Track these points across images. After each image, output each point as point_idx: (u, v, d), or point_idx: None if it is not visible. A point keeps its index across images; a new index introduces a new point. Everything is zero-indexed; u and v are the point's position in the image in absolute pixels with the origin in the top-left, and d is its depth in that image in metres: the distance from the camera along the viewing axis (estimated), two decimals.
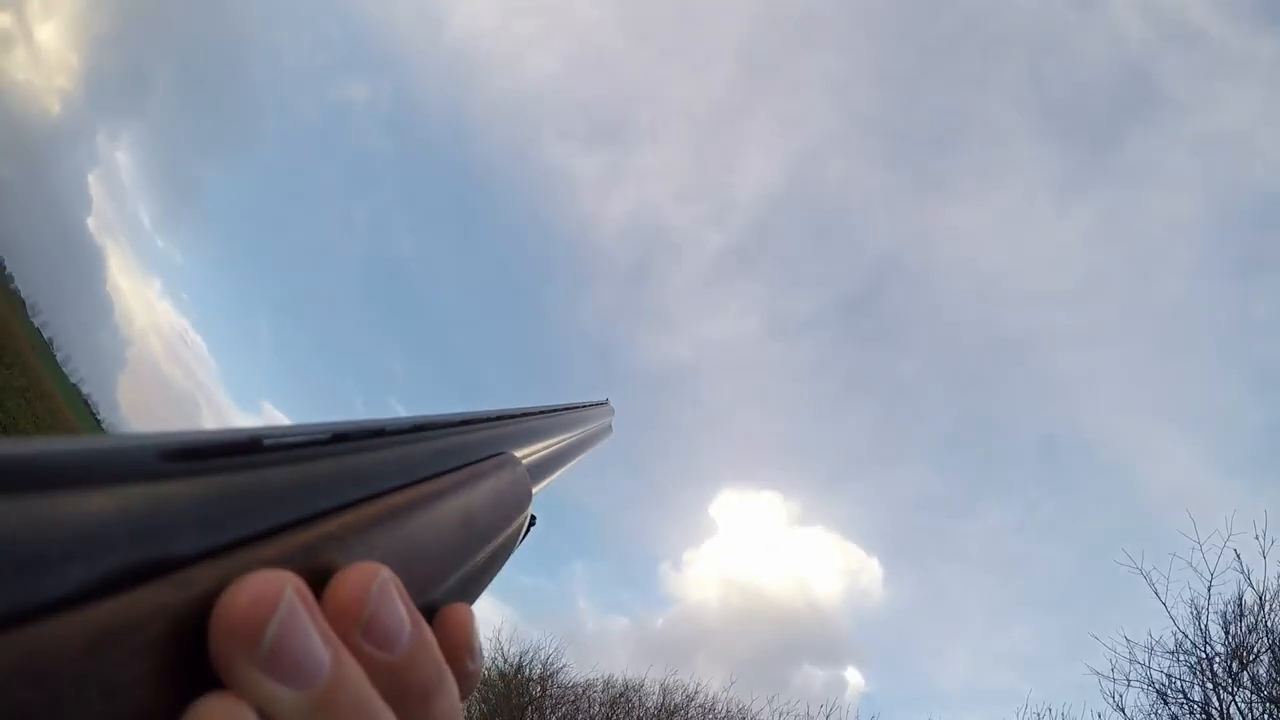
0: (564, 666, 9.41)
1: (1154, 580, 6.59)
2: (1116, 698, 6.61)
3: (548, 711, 9.01)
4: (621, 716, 8.99)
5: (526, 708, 8.84)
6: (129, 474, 0.15)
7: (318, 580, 0.19)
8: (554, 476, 0.50)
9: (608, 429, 0.75)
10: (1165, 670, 6.54)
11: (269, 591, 0.16)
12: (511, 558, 0.37)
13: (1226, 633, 6.41)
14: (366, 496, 0.24)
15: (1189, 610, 6.53)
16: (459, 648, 0.24)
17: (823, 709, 8.38)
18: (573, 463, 0.57)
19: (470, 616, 0.25)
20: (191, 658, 0.15)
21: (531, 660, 9.20)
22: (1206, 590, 6.44)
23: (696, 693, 9.13)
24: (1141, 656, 6.62)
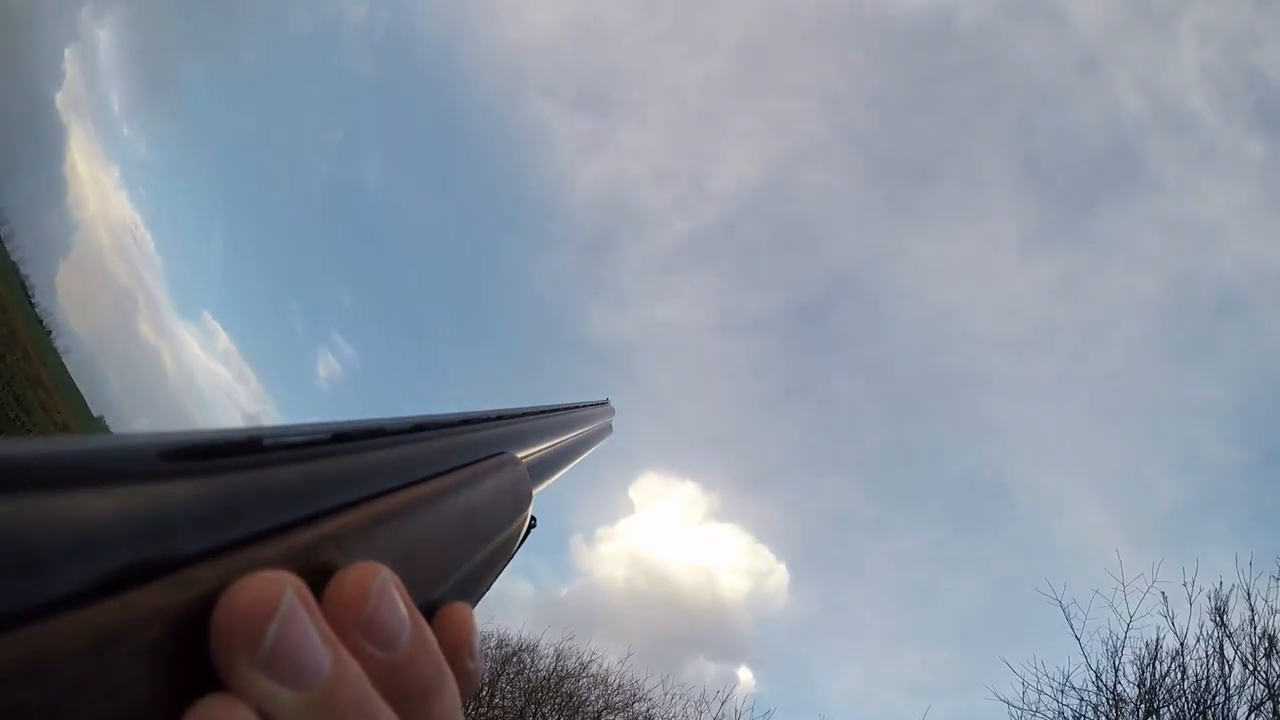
0: None
1: (1071, 614, 6.60)
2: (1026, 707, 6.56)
3: None
4: (512, 675, 9.28)
5: None
6: (129, 474, 0.15)
7: (318, 580, 0.19)
8: (555, 477, 0.51)
9: (608, 429, 0.75)
10: (1075, 708, 6.53)
11: (269, 592, 0.16)
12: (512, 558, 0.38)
13: (1142, 674, 6.42)
14: (366, 496, 0.24)
15: (1104, 649, 6.55)
16: (459, 647, 0.24)
17: (719, 695, 8.75)
18: (573, 463, 0.57)
19: (470, 616, 0.26)
20: (192, 658, 0.15)
21: None
22: (1124, 631, 6.47)
23: (590, 662, 9.23)
24: (1049, 689, 6.60)
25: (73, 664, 0.13)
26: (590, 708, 9.09)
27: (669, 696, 8.97)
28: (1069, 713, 6.65)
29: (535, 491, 0.41)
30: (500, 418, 0.39)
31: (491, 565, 0.33)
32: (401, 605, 0.20)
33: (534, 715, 8.87)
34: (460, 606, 0.26)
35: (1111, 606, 6.72)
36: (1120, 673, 6.61)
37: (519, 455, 0.40)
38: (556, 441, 0.52)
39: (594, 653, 9.44)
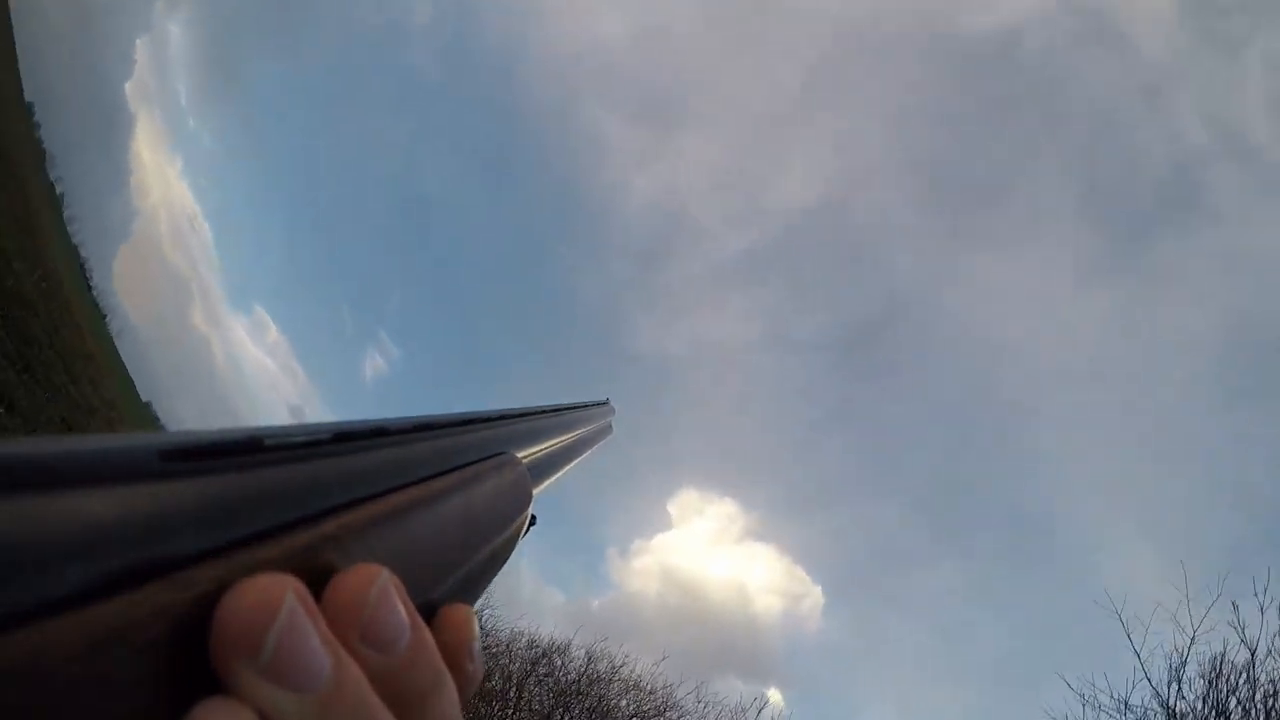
0: (492, 607, 9.35)
1: (1129, 630, 6.47)
2: None
3: None
4: (542, 676, 9.02)
5: None
6: (129, 474, 0.15)
7: (318, 580, 0.19)
8: (554, 476, 0.50)
9: (608, 429, 0.75)
10: None
11: (270, 596, 0.16)
12: (511, 557, 0.37)
13: (1209, 687, 6.23)
14: (367, 496, 0.24)
15: (1166, 664, 6.35)
16: (459, 649, 0.24)
17: (755, 703, 8.42)
18: (573, 463, 0.57)
19: (470, 617, 0.26)
20: (192, 658, 0.15)
21: None
22: (1188, 644, 6.30)
23: (622, 665, 9.07)
24: (1108, 706, 6.44)
25: (73, 665, 0.13)
26: (620, 713, 8.77)
27: (702, 705, 8.62)
28: None
29: (535, 491, 0.41)
30: (500, 418, 0.39)
31: (491, 565, 0.33)
32: (401, 608, 0.20)
33: (562, 718, 8.56)
34: (460, 608, 0.26)
35: (1174, 619, 6.43)
36: (1185, 686, 6.37)
37: (519, 455, 0.39)
38: (556, 441, 0.51)
39: (626, 656, 9.15)
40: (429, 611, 0.24)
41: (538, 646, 9.22)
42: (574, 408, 0.61)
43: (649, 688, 8.88)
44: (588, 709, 8.59)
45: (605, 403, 0.78)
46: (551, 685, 8.87)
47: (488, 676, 8.90)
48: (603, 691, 8.85)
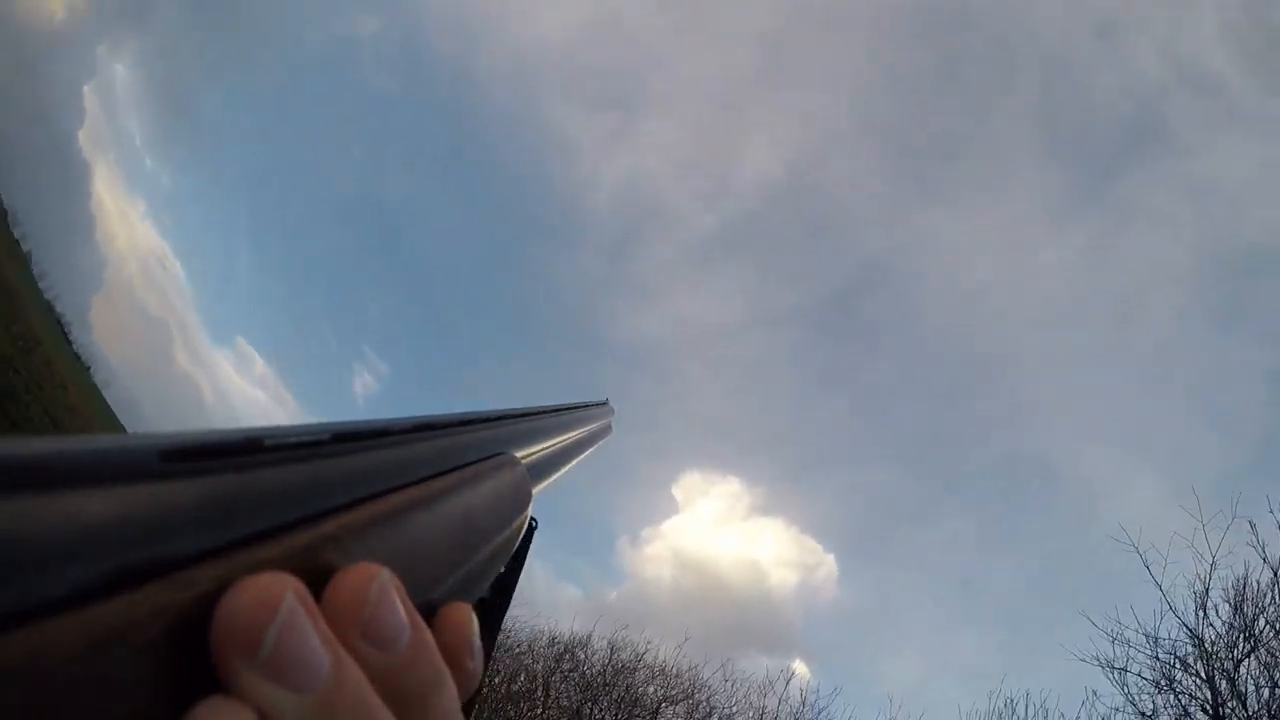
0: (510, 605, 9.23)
1: (1149, 560, 6.37)
2: (1117, 678, 6.31)
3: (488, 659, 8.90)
4: (566, 672, 9.06)
5: None
6: (129, 474, 0.15)
7: (318, 580, 0.19)
8: (554, 477, 0.50)
9: (608, 429, 0.75)
10: (1164, 657, 6.29)
11: (270, 595, 0.16)
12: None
13: (1236, 613, 6.15)
14: (367, 496, 0.24)
15: (1190, 591, 6.25)
16: (458, 647, 0.24)
17: (781, 674, 8.46)
18: (573, 463, 0.57)
19: (470, 616, 0.26)
20: (192, 659, 0.15)
21: None
22: (1209, 569, 6.20)
23: (645, 652, 9.02)
24: (1138, 641, 6.35)
25: (73, 664, 0.13)
26: (649, 700, 8.82)
27: (730, 684, 8.68)
28: (1160, 663, 6.31)
29: (535, 491, 0.41)
30: (500, 418, 0.39)
31: (491, 565, 0.33)
32: (400, 606, 0.20)
33: (590, 712, 8.61)
34: (460, 606, 0.26)
35: (1192, 546, 6.34)
36: (1212, 613, 6.28)
37: (519, 455, 0.39)
38: (556, 441, 0.51)
39: (648, 642, 9.18)
40: (429, 611, 0.24)
41: (559, 643, 9.24)
42: (573, 408, 0.61)
43: (674, 671, 8.93)
44: (615, 700, 8.60)
45: (605, 403, 0.78)
46: (577, 680, 8.88)
47: (513, 678, 8.92)
48: (629, 680, 8.89)
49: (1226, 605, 6.25)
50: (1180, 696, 6.25)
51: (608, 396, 0.82)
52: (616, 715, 8.61)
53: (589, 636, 9.31)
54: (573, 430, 0.57)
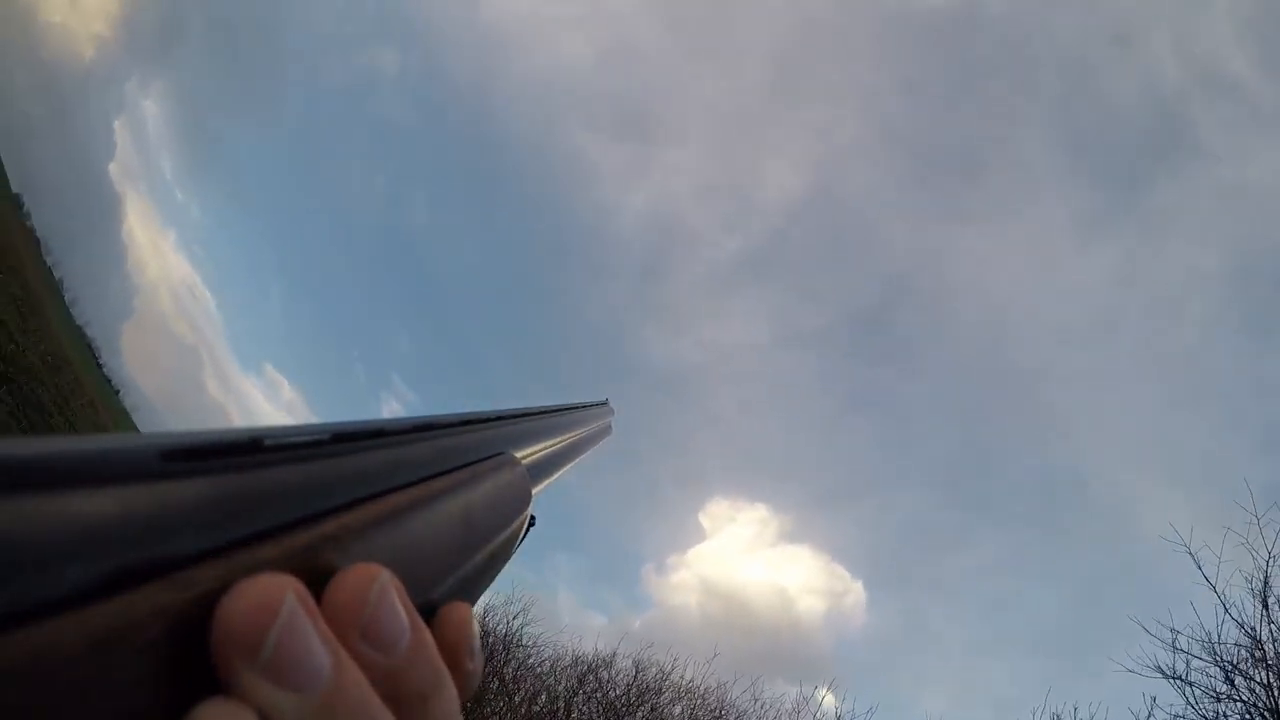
0: (530, 623, 9.17)
1: (1200, 560, 5.96)
2: (1177, 686, 5.88)
3: (508, 679, 8.77)
4: (590, 692, 8.77)
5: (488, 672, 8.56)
6: (130, 474, 0.15)
7: (318, 581, 0.19)
8: (554, 477, 0.50)
9: (607, 429, 0.75)
10: (1220, 661, 5.91)
11: (270, 596, 0.16)
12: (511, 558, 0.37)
13: None
14: (367, 496, 0.24)
15: (1248, 590, 5.87)
16: (458, 648, 0.24)
17: (815, 693, 8.11)
18: (572, 463, 0.57)
19: (469, 616, 0.25)
20: (192, 659, 0.15)
21: (498, 621, 8.96)
22: (1267, 563, 5.86)
23: (671, 670, 8.73)
24: (1185, 644, 5.92)
25: (73, 665, 0.13)
26: None
27: (759, 705, 8.33)
28: (1220, 667, 5.95)
29: (535, 492, 0.41)
30: (500, 418, 0.39)
31: (491, 565, 0.33)
32: (400, 608, 0.20)
33: None
34: (460, 607, 0.26)
35: (1246, 542, 5.98)
36: (1273, 608, 5.88)
37: (519, 455, 0.40)
38: (556, 442, 0.51)
39: (674, 660, 8.87)
40: (429, 611, 0.24)
41: (583, 662, 8.98)
42: (573, 408, 0.60)
43: (701, 690, 8.62)
44: None
45: (604, 403, 0.77)
46: (600, 700, 8.62)
47: (534, 698, 8.66)
48: (654, 701, 8.59)
49: None
50: (1240, 704, 5.91)
51: (608, 396, 0.81)
52: None
53: (613, 655, 9.05)
54: (573, 430, 0.57)
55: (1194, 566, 6.04)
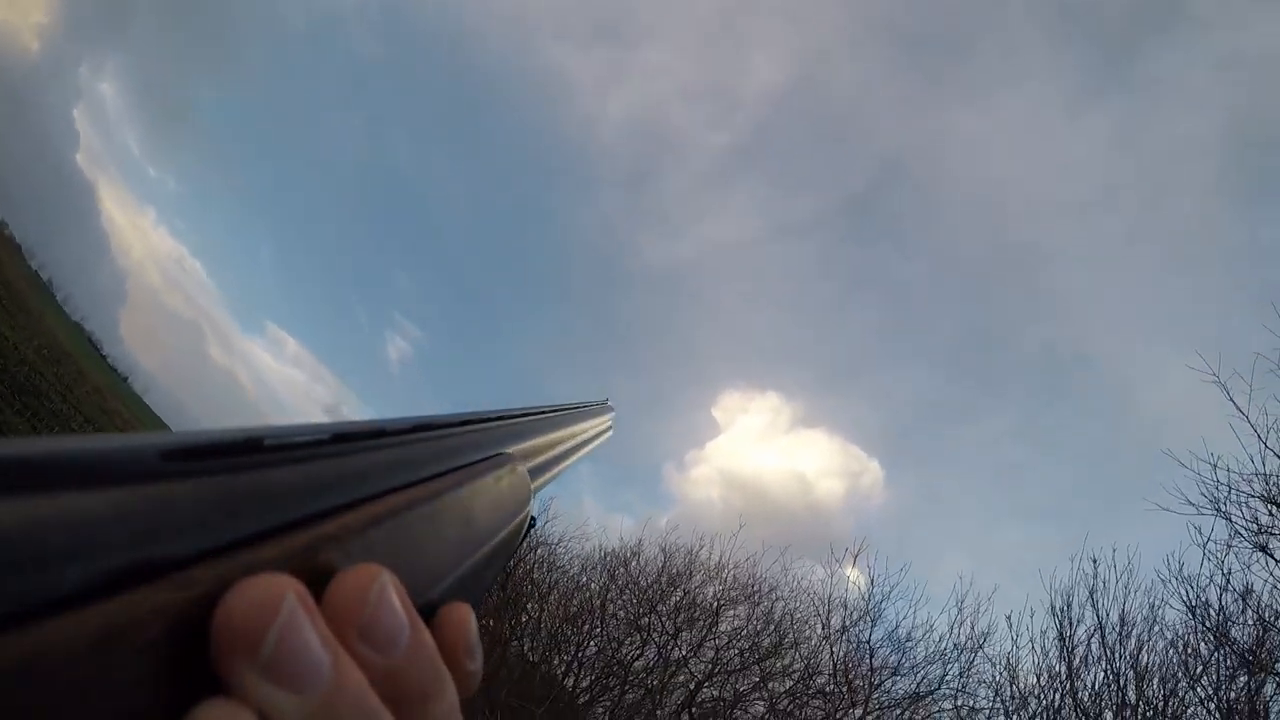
0: (555, 518, 9.12)
1: (1231, 391, 5.62)
2: (1216, 501, 5.56)
3: (540, 581, 8.73)
4: (622, 586, 8.92)
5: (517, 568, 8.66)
6: (129, 474, 0.15)
7: (318, 580, 0.19)
8: (554, 477, 0.51)
9: (608, 429, 0.75)
10: (1269, 491, 5.54)
11: (270, 596, 0.16)
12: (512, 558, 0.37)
13: None
14: (367, 496, 0.24)
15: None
16: (458, 648, 0.24)
17: (848, 550, 8.16)
18: (572, 462, 0.57)
19: (469, 616, 0.26)
20: (192, 658, 0.15)
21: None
22: None
23: (699, 549, 8.67)
24: (1227, 479, 5.56)
25: (73, 664, 0.13)
26: (708, 603, 8.66)
27: (788, 575, 8.47)
28: (1267, 497, 5.65)
29: (535, 491, 0.41)
30: (500, 418, 0.40)
31: (491, 565, 0.33)
32: (400, 608, 0.20)
33: (650, 621, 8.50)
34: (460, 607, 0.26)
35: (1275, 371, 5.72)
36: None
37: (519, 455, 0.40)
38: (556, 441, 0.52)
39: (701, 540, 8.97)
40: (429, 611, 0.24)
41: (612, 556, 9.10)
42: (573, 408, 0.60)
43: (731, 568, 8.73)
44: (674, 607, 8.43)
45: (605, 403, 0.78)
46: (634, 592, 8.78)
47: (568, 599, 8.84)
48: (685, 585, 8.72)
49: None
50: None
51: (608, 396, 0.82)
52: (677, 621, 8.46)
53: (639, 544, 9.14)
54: (573, 430, 0.57)
55: (1225, 399, 5.73)
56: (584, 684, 8.37)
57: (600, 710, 8.23)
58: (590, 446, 0.65)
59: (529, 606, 8.69)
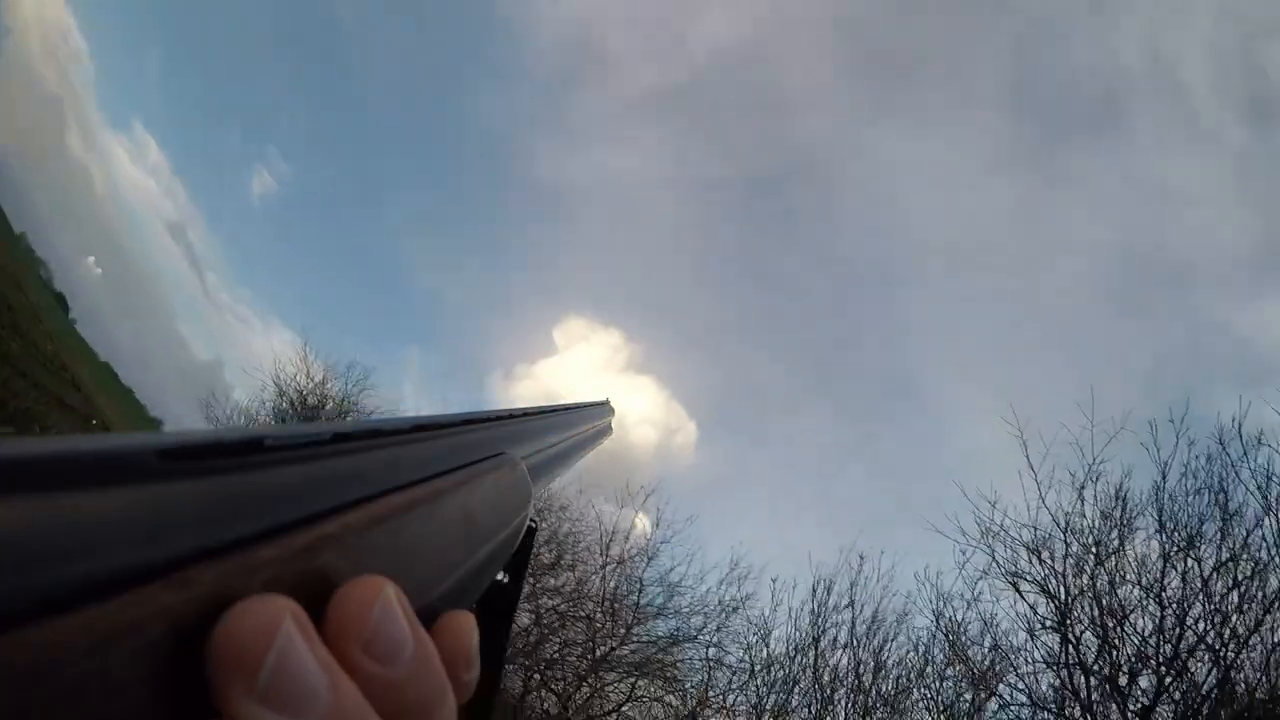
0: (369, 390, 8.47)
1: (1029, 449, 6.35)
2: (986, 546, 6.30)
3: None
4: None
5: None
6: (129, 474, 0.15)
7: (318, 585, 0.19)
8: (554, 476, 0.51)
9: (607, 429, 0.75)
10: (1034, 541, 6.26)
11: (267, 620, 0.16)
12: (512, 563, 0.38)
13: (1118, 502, 6.19)
14: (366, 496, 0.24)
15: (1072, 482, 6.28)
16: (457, 658, 0.24)
17: (642, 489, 8.17)
18: (572, 462, 0.57)
19: (471, 626, 0.25)
20: (191, 658, 0.15)
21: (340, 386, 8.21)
22: (1088, 468, 6.24)
23: None
24: (1004, 522, 6.32)
25: (73, 665, 0.13)
26: None
27: (583, 502, 8.39)
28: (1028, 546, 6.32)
29: (535, 491, 0.41)
30: (500, 418, 0.40)
31: (490, 565, 0.33)
32: (404, 621, 0.20)
33: None
34: (461, 616, 0.25)
35: (1076, 444, 6.38)
36: (1087, 505, 6.33)
37: (519, 455, 0.40)
38: (556, 441, 0.52)
39: None
40: (429, 615, 0.24)
41: None
42: (573, 408, 0.61)
43: None
44: None
45: (605, 403, 0.78)
46: None
47: None
48: None
49: (1108, 497, 6.29)
50: (1034, 582, 6.34)
51: (608, 396, 0.81)
52: None
53: None
54: (572, 430, 0.58)
55: (1022, 453, 6.45)
56: None
57: None
58: (591, 447, 0.65)
59: None
